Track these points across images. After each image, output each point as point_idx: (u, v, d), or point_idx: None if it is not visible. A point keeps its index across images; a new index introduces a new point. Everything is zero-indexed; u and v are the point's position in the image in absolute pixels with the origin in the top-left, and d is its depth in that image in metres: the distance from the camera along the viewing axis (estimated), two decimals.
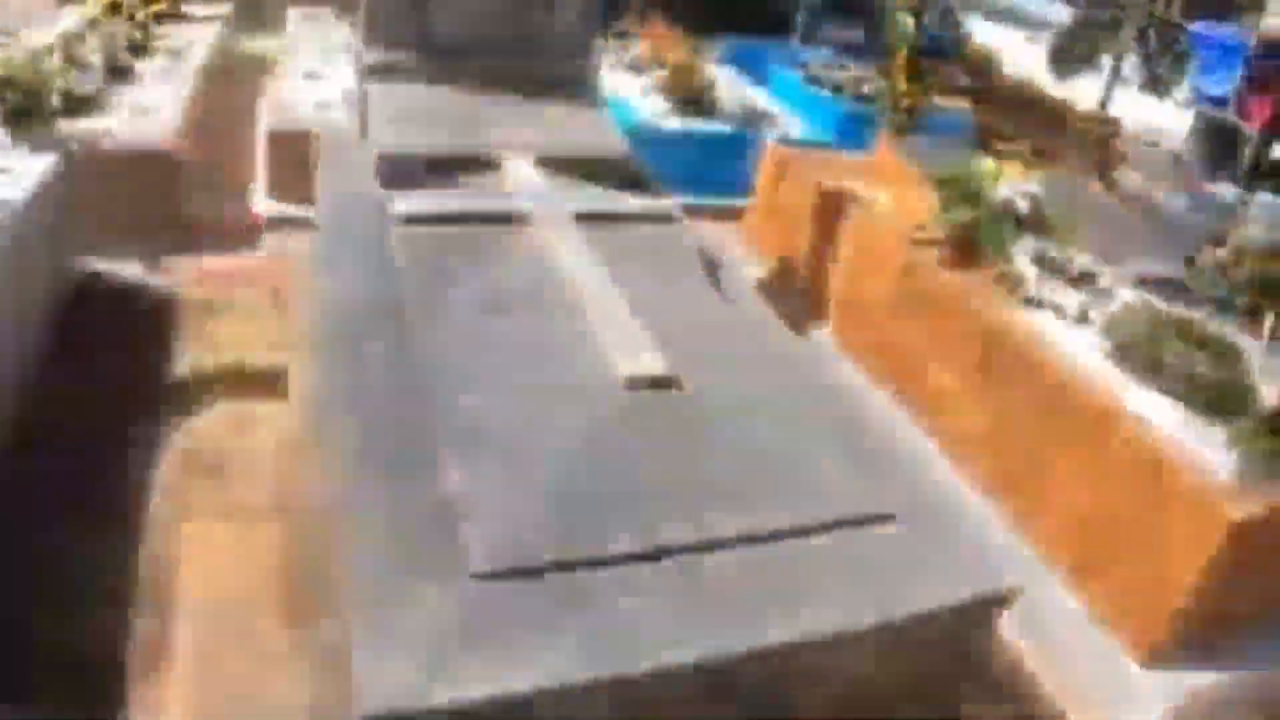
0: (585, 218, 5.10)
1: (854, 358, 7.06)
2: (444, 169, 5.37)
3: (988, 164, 6.69)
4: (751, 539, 3.55)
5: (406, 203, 5.05)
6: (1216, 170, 13.77)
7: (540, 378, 4.04)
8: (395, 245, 4.87)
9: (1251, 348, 5.79)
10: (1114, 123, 8.47)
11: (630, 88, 10.73)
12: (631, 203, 5.46)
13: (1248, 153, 13.31)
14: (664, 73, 10.70)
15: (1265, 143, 13.31)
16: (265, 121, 9.25)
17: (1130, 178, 10.41)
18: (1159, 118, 17.28)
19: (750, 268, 8.21)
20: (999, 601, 3.71)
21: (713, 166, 9.43)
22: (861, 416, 4.60)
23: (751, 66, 12.83)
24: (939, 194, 6.64)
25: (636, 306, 4.42)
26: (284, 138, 8.22)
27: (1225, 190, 11.18)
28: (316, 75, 9.77)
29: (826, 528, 3.68)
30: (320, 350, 4.54)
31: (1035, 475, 5.54)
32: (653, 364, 4.05)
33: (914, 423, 6.47)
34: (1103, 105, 8.03)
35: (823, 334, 7.38)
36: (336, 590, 3.35)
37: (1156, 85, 8.55)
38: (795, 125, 11.00)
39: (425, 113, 5.77)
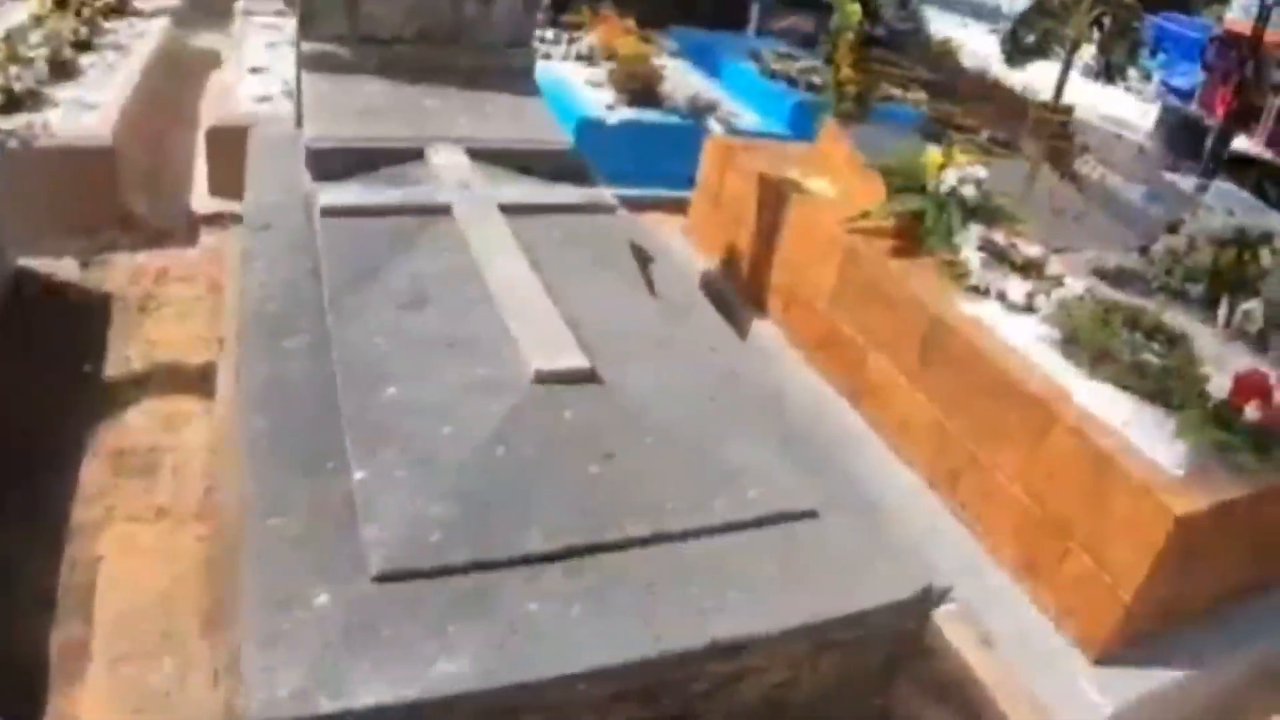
0: (513, 209, 4.96)
1: (797, 349, 6.96)
2: (376, 161, 5.23)
3: (933, 151, 6.58)
4: (667, 538, 3.46)
5: (331, 196, 4.91)
6: (1180, 161, 13.75)
7: (454, 373, 3.91)
8: (319, 239, 4.74)
9: (1207, 337, 5.70)
10: (1068, 111, 8.33)
11: (579, 79, 10.62)
12: (563, 194, 5.32)
13: (1208, 144, 13.27)
14: (614, 64, 10.58)
15: (1225, 134, 13.27)
16: (206, 116, 9.11)
17: (1091, 167, 10.33)
18: (1126, 110, 17.35)
19: (693, 259, 8.10)
20: (928, 601, 3.60)
21: (662, 158, 9.34)
22: (791, 410, 4.49)
23: (705, 58, 12.73)
24: (885, 182, 6.54)
25: (558, 299, 4.30)
26: (224, 133, 8.07)
27: (1184, 180, 11.12)
28: (260, 69, 9.62)
29: (747, 526, 3.58)
30: (239, 347, 4.43)
31: (979, 468, 5.42)
32: (569, 358, 3.93)
33: (857, 414, 6.36)
34: (1057, 94, 7.89)
35: (766, 325, 7.26)
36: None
37: (1110, 72, 8.42)
38: (745, 116, 10.90)
39: (360, 105, 5.63)
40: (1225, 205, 8.49)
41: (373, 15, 5.83)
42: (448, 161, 5.25)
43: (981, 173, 6.42)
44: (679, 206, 8.92)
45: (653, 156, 9.45)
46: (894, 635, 3.68)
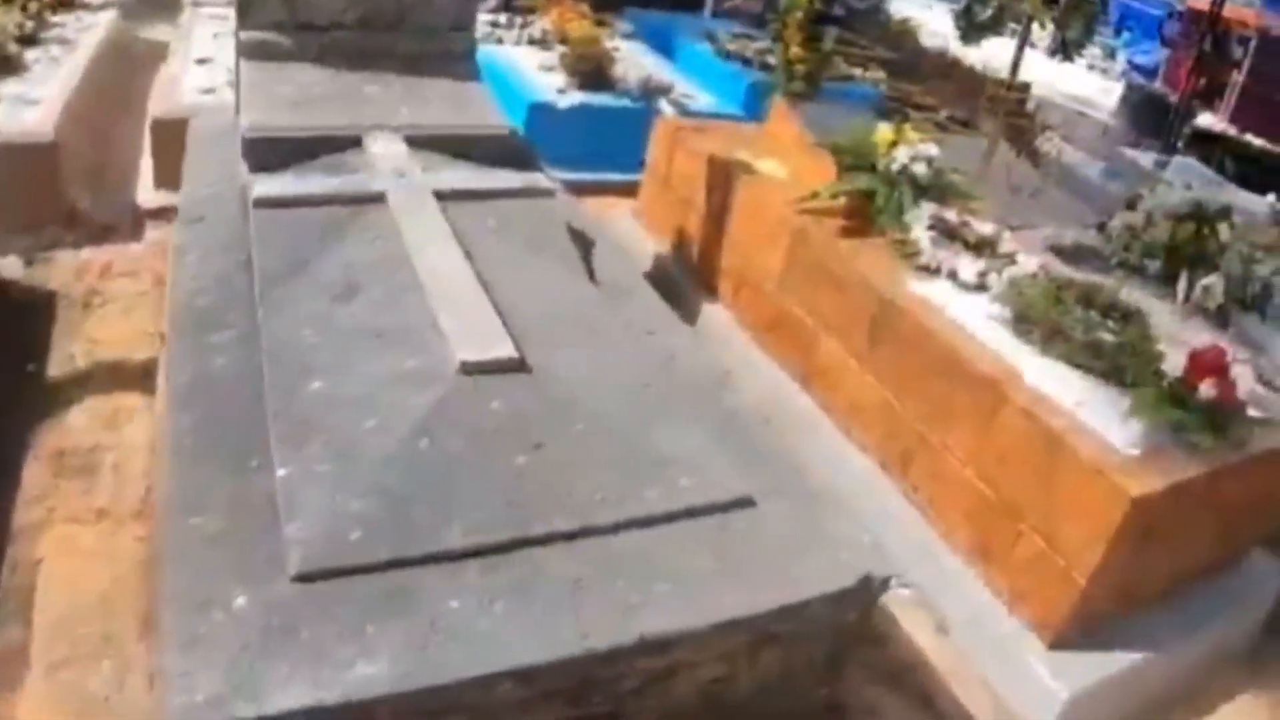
0: (448, 196, 4.87)
1: (747, 331, 6.88)
2: (314, 150, 5.13)
3: (884, 129, 6.49)
4: (595, 531, 3.37)
5: (263, 186, 4.81)
6: (1144, 138, 13.76)
7: (381, 365, 3.82)
8: (252, 230, 4.64)
9: (1166, 313, 5.64)
10: (1024, 88, 8.26)
11: (532, 63, 10.53)
12: (500, 179, 5.23)
13: (1172, 120, 13.29)
14: (566, 48, 10.48)
15: (1185, 110, 13.28)
16: (152, 109, 9.00)
17: (1052, 145, 10.27)
18: (1090, 88, 17.39)
19: (643, 242, 8.07)
20: (869, 590, 3.50)
21: (614, 141, 9.24)
22: (735, 394, 4.39)
23: (660, 40, 12.65)
24: (835, 161, 6.45)
25: (491, 287, 4.22)
26: (168, 125, 7.94)
27: (1145, 157, 11.09)
28: (206, 60, 9.51)
29: (679, 516, 3.49)
30: (171, 342, 4.34)
31: (930, 450, 5.35)
32: (498, 347, 3.84)
33: (808, 397, 6.28)
34: (1013, 71, 7.83)
35: (717, 308, 7.18)
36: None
37: (1067, 49, 8.36)
38: (699, 97, 10.85)
39: (298, 93, 5.52)
40: (1184, 180, 8.44)
41: (311, 2, 5.73)
42: (385, 149, 5.16)
43: (933, 150, 6.34)
44: (631, 190, 8.79)
45: (605, 140, 9.37)
46: (835, 626, 3.59)
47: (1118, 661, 4.75)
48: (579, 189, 8.40)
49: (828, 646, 3.65)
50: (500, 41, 10.91)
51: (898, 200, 6.12)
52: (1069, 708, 4.55)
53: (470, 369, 3.73)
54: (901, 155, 6.25)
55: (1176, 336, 5.26)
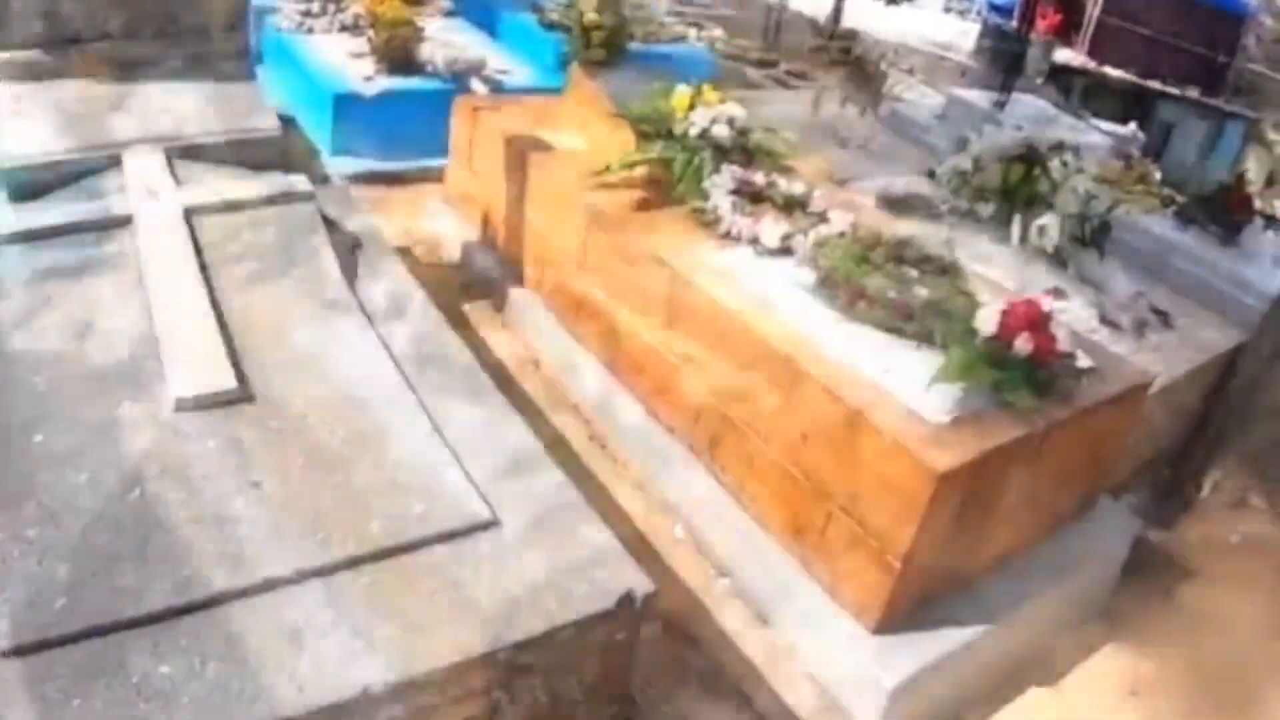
0: (200, 211, 4.59)
1: (554, 317, 6.58)
2: (72, 174, 4.84)
3: (681, 92, 6.18)
4: (315, 573, 3.12)
5: (8, 220, 4.50)
6: (994, 77, 13.76)
7: (100, 411, 3.56)
8: None
9: (1004, 258, 5.44)
10: (850, 37, 8.07)
11: (342, 51, 10.08)
12: (258, 186, 4.92)
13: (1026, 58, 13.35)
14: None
15: (1025, 42, 13.28)
16: None
17: (894, 93, 10.09)
18: (948, 32, 17.37)
19: (455, 230, 7.80)
20: (632, 609, 3.29)
21: (426, 126, 8.80)
22: (491, 399, 4.13)
23: (484, 15, 12.22)
24: (634, 130, 6.16)
25: (227, 309, 3.99)
26: None
27: (983, 96, 10.93)
28: None
29: (409, 549, 3.24)
30: None
31: (736, 432, 5.08)
32: (216, 378, 3.59)
33: (616, 381, 5.99)
34: (835, 20, 7.63)
35: (524, 294, 6.87)
36: None
37: None
38: (516, 72, 10.48)
39: (59, 114, 5.19)
40: (1017, 119, 8.28)
41: (72, 14, 5.38)
42: (141, 167, 4.86)
43: (735, 110, 6.06)
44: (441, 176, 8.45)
45: (416, 125, 8.99)
46: (603, 647, 3.34)
47: (950, 640, 4.52)
48: (392, 178, 8.11)
49: (600, 667, 3.40)
50: (311, 31, 10.51)
51: (696, 166, 5.84)
52: (896, 695, 4.32)
53: (185, 406, 3.46)
54: (700, 118, 5.96)
55: (1009, 283, 5.05)
